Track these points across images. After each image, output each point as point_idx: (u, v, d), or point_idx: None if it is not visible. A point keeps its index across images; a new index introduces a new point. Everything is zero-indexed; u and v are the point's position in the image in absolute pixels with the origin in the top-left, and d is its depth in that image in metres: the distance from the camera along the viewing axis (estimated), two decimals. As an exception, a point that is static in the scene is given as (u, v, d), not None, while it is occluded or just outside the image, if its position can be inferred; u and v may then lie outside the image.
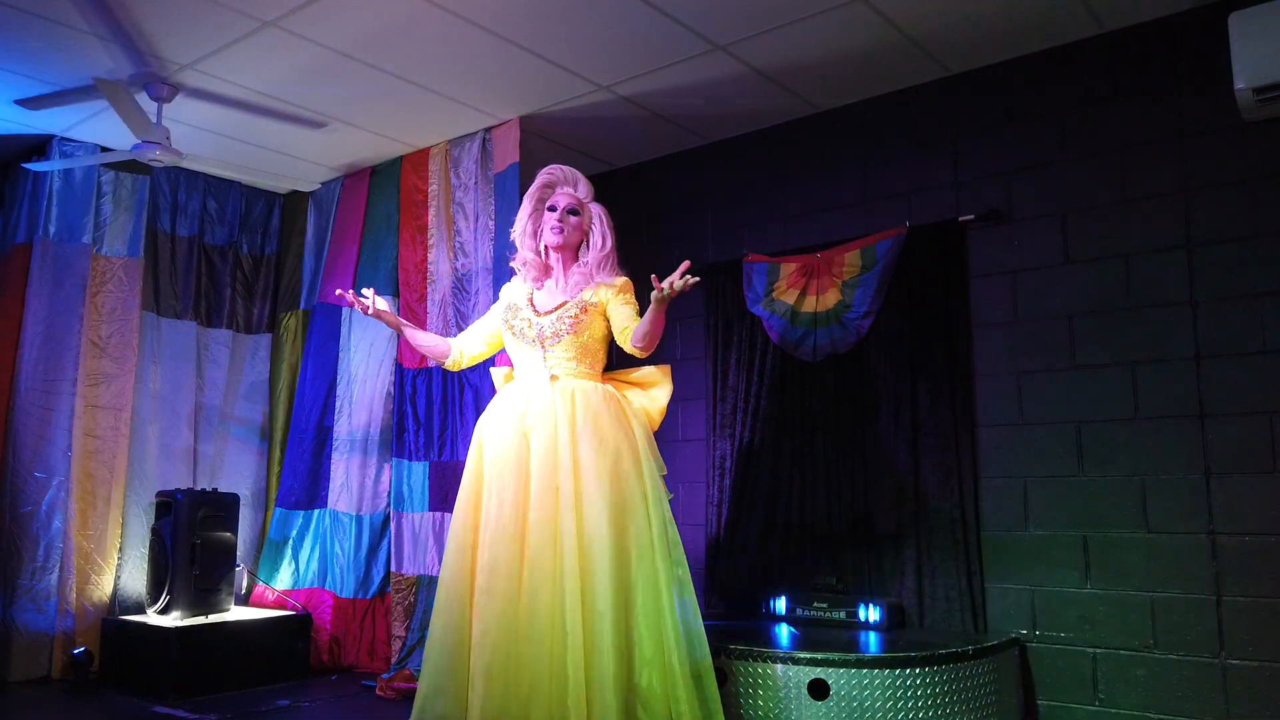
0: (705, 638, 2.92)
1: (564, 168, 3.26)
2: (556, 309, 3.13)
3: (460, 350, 3.37)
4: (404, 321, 3.42)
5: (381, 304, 3.25)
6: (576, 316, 3.09)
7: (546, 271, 3.25)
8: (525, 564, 2.84)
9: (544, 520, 2.86)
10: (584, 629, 2.75)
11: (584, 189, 3.23)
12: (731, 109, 4.42)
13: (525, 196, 3.28)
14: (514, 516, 2.89)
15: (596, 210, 3.22)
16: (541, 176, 3.25)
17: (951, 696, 3.13)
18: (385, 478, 4.74)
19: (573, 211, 3.18)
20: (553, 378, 3.07)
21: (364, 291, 3.24)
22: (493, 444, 3.05)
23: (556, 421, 2.96)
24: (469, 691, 2.82)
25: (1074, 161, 3.74)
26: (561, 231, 3.16)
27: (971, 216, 3.92)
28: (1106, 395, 3.57)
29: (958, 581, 3.76)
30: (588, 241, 3.20)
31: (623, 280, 3.19)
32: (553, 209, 3.19)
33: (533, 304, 3.19)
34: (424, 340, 3.41)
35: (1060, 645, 3.56)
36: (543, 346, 3.09)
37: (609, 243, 3.18)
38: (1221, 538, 3.29)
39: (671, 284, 2.81)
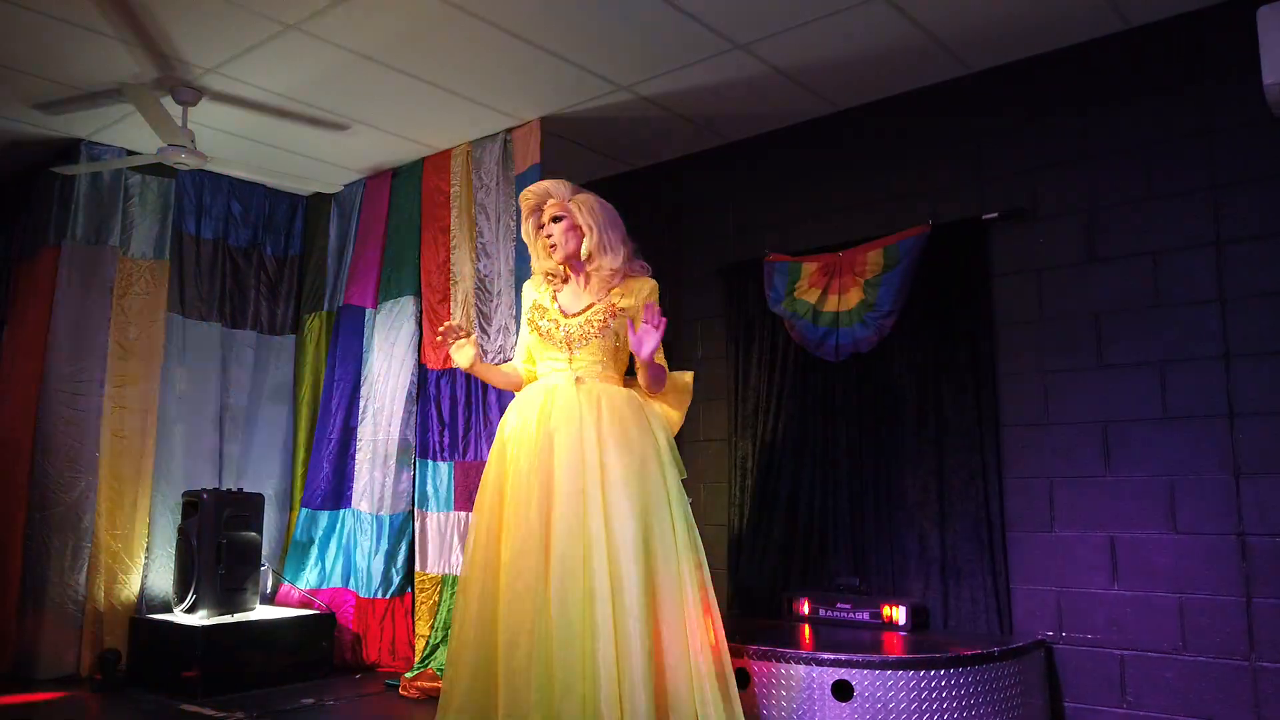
0: (725, 639, 2.92)
1: (536, 186, 3.17)
2: (584, 310, 3.09)
3: (524, 375, 3.28)
4: (487, 366, 3.31)
5: (469, 352, 3.14)
6: (604, 321, 3.05)
7: (567, 280, 3.21)
8: (551, 567, 2.82)
9: (570, 523, 2.84)
10: (615, 631, 2.74)
11: (561, 192, 3.13)
12: (752, 108, 4.41)
13: (522, 229, 3.25)
14: (538, 520, 2.87)
15: (579, 203, 3.10)
16: (523, 207, 3.19)
17: (977, 699, 3.11)
18: (406, 478, 4.76)
19: (557, 219, 3.11)
20: (578, 380, 3.03)
21: (460, 328, 3.14)
22: (514, 445, 3.03)
23: (582, 425, 2.93)
24: (497, 692, 2.81)
25: (1099, 158, 3.70)
26: (556, 245, 3.11)
27: (995, 214, 3.89)
28: (1134, 395, 3.53)
29: (983, 582, 3.73)
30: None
31: (650, 287, 3.14)
32: (541, 227, 3.16)
33: (559, 304, 3.15)
34: (499, 378, 3.32)
35: (1087, 647, 3.52)
36: (569, 348, 3.06)
37: (596, 231, 3.06)
38: (1251, 539, 3.25)
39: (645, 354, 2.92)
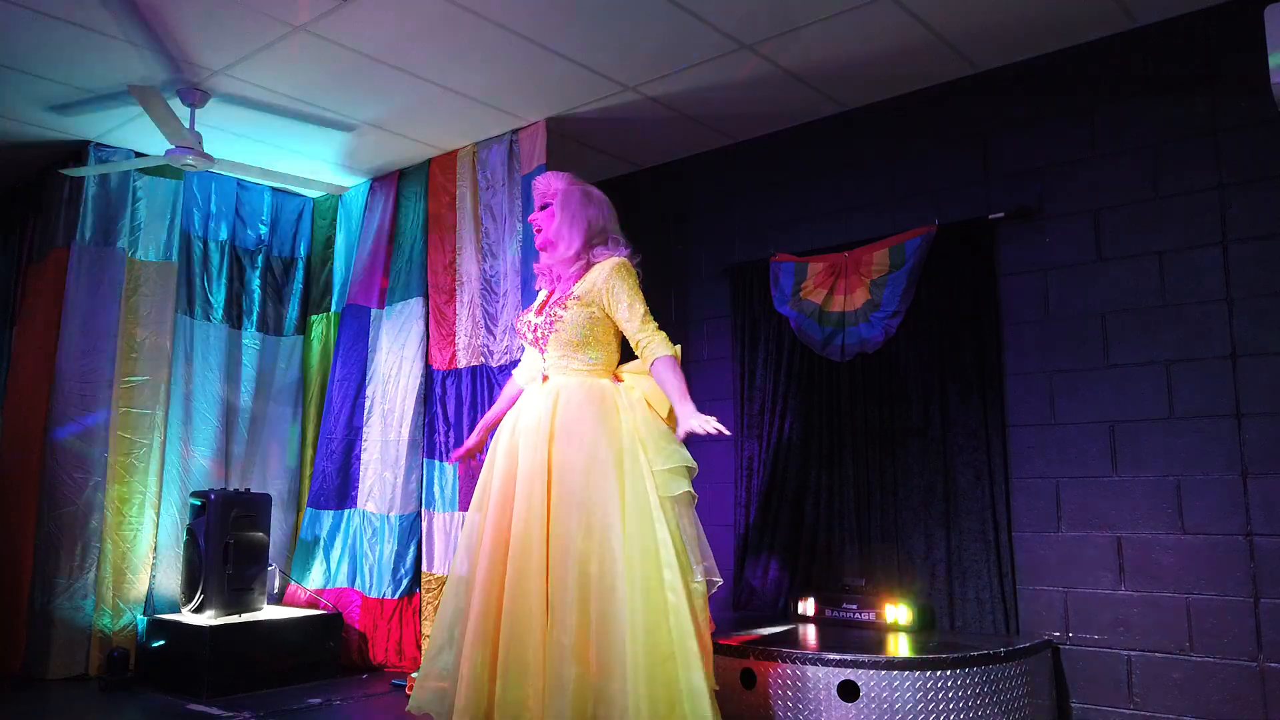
0: (698, 653, 2.59)
1: (539, 179, 3.17)
2: (547, 306, 3.04)
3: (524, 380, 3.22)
4: (485, 427, 3.31)
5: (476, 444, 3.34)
6: (555, 314, 2.96)
7: (558, 279, 3.14)
8: (508, 571, 2.76)
9: (524, 528, 2.77)
10: (546, 642, 2.66)
11: (555, 183, 3.09)
12: (758, 108, 4.41)
13: None
14: (498, 524, 2.84)
15: (562, 191, 3.06)
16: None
17: (983, 699, 3.10)
18: (414, 478, 4.77)
19: (543, 207, 3.09)
20: (544, 378, 3.00)
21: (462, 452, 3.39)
22: (499, 449, 3.01)
23: (538, 424, 2.87)
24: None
25: (1106, 158, 3.69)
26: (539, 229, 3.09)
27: (1001, 214, 3.88)
28: (1140, 395, 3.52)
29: (989, 583, 3.73)
30: None
31: (611, 266, 2.94)
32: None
33: (543, 306, 3.11)
34: (506, 404, 3.25)
35: (1094, 648, 3.52)
36: (540, 347, 3.01)
37: (557, 216, 3.01)
38: (1259, 539, 3.24)
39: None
